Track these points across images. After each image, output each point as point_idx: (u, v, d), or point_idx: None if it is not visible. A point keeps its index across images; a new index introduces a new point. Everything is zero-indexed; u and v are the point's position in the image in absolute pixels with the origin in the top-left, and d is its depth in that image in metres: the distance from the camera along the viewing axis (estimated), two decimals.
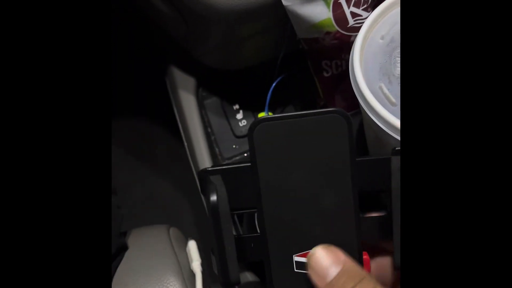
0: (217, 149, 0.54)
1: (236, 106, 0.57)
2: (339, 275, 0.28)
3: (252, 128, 0.30)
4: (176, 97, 0.56)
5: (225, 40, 0.47)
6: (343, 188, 0.31)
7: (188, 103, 0.54)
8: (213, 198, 0.29)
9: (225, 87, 0.56)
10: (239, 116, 0.56)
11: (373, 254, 0.32)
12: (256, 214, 0.32)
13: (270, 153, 0.31)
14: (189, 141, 0.53)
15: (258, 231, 0.32)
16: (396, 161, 0.30)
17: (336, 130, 0.30)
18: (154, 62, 0.63)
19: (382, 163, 0.31)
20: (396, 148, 0.31)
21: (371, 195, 0.33)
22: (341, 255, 0.29)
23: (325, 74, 0.48)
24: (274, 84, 0.51)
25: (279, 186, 0.31)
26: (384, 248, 0.32)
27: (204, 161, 0.53)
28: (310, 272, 0.29)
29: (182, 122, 0.55)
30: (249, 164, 0.31)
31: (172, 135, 0.63)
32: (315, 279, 0.28)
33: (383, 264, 0.32)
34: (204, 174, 0.31)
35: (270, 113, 0.53)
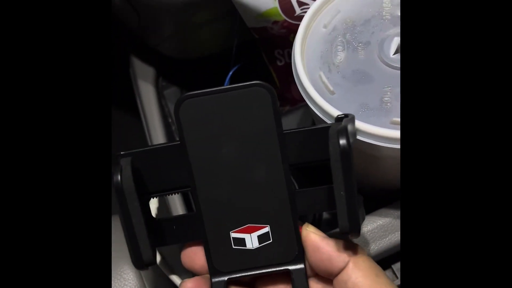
0: None
1: None
2: None
3: (177, 105, 0.30)
4: (136, 87, 0.56)
5: (178, 28, 0.47)
6: (273, 161, 0.31)
7: (147, 93, 0.54)
8: (117, 178, 0.29)
9: (185, 76, 0.56)
10: None
11: None
12: (190, 193, 0.32)
13: (198, 130, 0.30)
14: (149, 132, 0.53)
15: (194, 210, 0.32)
16: (334, 126, 0.28)
17: (260, 103, 0.30)
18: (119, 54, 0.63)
19: (315, 133, 0.30)
20: (338, 115, 0.31)
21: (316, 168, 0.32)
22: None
23: (279, 63, 0.48)
24: (230, 73, 0.51)
25: (210, 163, 0.31)
26: None
27: None
28: None
29: (143, 112, 0.55)
30: (169, 144, 0.31)
31: (138, 127, 0.64)
32: None
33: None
34: (116, 158, 0.30)
35: None
